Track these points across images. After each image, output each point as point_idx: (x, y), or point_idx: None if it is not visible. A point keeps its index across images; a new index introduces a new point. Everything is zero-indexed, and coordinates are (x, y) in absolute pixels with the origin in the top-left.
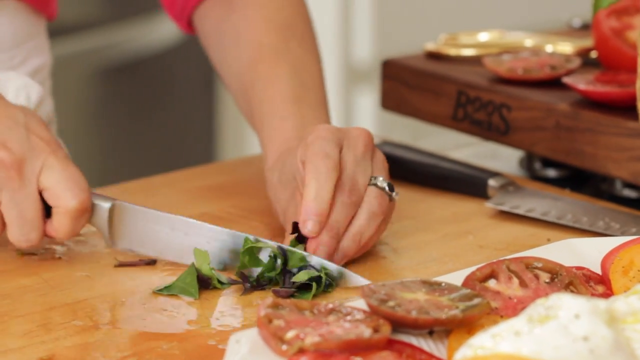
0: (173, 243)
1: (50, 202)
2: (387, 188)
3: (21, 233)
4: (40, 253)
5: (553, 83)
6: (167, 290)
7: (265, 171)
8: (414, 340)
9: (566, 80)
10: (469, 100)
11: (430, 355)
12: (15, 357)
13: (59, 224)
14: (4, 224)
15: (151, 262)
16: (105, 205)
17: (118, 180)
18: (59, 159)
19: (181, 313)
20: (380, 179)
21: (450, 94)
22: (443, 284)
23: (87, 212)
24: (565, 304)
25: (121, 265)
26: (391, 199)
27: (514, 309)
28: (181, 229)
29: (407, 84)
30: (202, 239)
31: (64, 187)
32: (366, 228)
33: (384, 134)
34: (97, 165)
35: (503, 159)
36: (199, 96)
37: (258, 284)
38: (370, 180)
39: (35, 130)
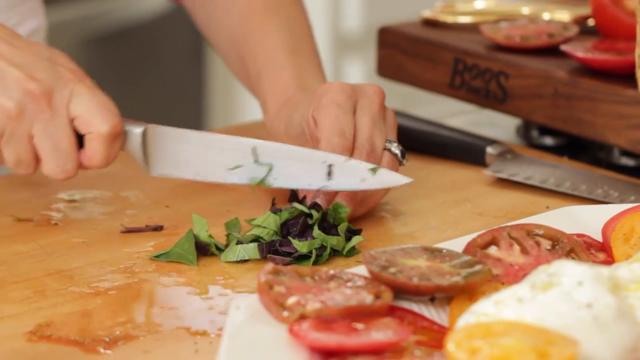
0: (209, 162)
1: (81, 129)
2: (399, 154)
3: (57, 164)
4: (36, 219)
5: (551, 51)
6: (165, 257)
7: (267, 121)
8: (415, 307)
9: (564, 47)
10: (466, 68)
11: (432, 322)
12: (13, 324)
13: (93, 151)
14: (38, 158)
15: (158, 228)
16: (137, 129)
17: None
18: (87, 86)
19: (179, 280)
20: (395, 145)
21: (447, 62)
22: (444, 251)
23: (120, 137)
24: (568, 271)
25: (128, 231)
26: (401, 164)
27: (515, 276)
28: (216, 146)
29: (404, 51)
30: (237, 153)
31: (94, 113)
32: (375, 192)
33: None
34: None
35: (499, 127)
36: (188, 64)
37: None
38: (385, 144)
39: (60, 62)
